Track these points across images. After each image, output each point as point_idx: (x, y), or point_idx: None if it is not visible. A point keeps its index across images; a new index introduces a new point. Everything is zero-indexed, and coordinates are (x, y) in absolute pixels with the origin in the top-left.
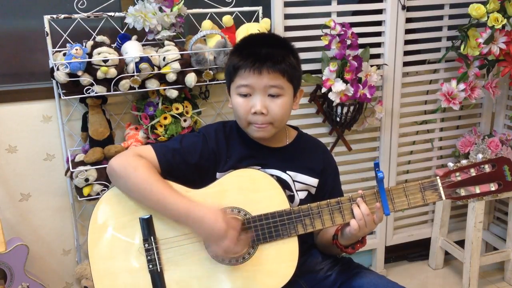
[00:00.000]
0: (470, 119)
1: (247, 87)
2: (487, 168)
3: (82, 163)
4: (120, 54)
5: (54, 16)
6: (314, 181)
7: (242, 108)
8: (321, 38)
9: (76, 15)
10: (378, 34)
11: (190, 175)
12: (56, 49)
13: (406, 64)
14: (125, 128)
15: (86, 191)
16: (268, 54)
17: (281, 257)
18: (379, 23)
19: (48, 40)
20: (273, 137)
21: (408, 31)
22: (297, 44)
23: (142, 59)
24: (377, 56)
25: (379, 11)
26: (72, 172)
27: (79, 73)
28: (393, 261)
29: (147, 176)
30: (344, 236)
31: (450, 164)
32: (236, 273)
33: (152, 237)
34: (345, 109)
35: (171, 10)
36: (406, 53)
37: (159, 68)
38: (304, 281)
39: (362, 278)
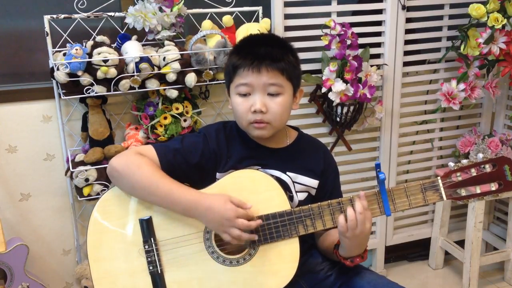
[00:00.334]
0: (470, 119)
1: (246, 86)
2: (488, 168)
3: (82, 163)
4: (120, 54)
5: (54, 16)
6: (314, 183)
7: (242, 108)
8: (321, 38)
9: (76, 15)
10: (378, 34)
11: (191, 175)
12: (56, 49)
13: (406, 64)
14: (125, 128)
15: (86, 191)
16: (267, 52)
17: (282, 258)
18: (379, 23)
19: (48, 40)
20: (274, 138)
21: (408, 31)
22: (297, 44)
23: (142, 59)
24: (377, 56)
25: (379, 11)
26: (72, 172)
27: (79, 73)
28: (393, 261)
29: (152, 173)
30: (342, 246)
31: (451, 164)
32: (237, 274)
33: (152, 239)
34: (345, 109)
35: (171, 10)
36: (406, 53)
37: (159, 68)
38: (304, 281)
39: (362, 278)
